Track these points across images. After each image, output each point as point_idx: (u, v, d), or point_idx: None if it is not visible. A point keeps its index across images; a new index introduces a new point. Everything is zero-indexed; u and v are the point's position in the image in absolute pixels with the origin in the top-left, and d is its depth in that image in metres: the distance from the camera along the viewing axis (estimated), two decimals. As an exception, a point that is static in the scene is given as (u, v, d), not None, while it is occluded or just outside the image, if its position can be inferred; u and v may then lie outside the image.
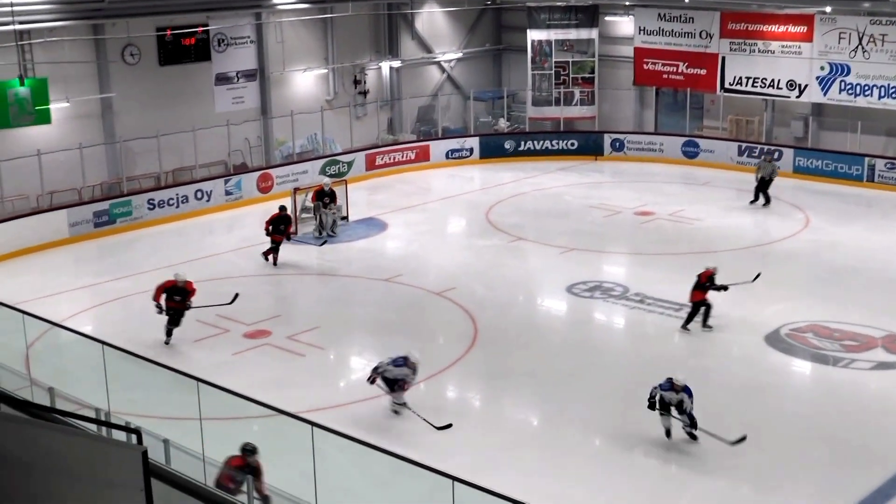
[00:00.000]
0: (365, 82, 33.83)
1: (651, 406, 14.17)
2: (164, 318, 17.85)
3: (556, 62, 35.06)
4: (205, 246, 24.48)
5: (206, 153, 28.20)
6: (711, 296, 18.31)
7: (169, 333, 17.84)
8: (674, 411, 14.11)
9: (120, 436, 10.70)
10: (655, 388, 14.19)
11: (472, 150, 33.40)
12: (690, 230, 25.32)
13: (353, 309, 20.14)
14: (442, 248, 24.32)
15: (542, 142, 34.08)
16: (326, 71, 32.64)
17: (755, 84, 32.01)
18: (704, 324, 18.36)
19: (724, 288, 18.31)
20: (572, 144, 34.03)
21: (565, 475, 13.26)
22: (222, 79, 30.05)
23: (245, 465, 11.43)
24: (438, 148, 33.11)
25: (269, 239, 22.55)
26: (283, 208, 22.91)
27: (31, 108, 24.77)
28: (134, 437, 6.04)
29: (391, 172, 31.59)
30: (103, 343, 13.56)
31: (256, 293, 21.04)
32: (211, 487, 9.89)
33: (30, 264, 23.03)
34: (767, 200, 27.40)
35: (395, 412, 15.12)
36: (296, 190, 25.93)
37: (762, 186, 27.39)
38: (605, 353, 18.06)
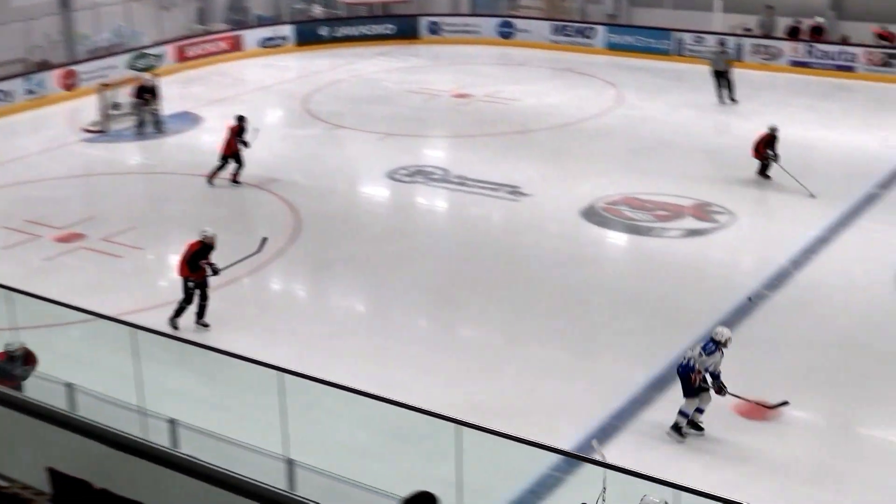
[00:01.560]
0: (170, -30, 32.45)
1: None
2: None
3: (367, -56, 34.42)
4: (8, 149, 23.21)
5: (3, 51, 26.62)
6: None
7: (181, 313, 14.03)
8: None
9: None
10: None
11: (286, 38, 32.63)
12: (508, 110, 25.56)
13: (171, 206, 19.62)
14: (260, 140, 23.78)
15: (358, 27, 33.57)
16: (128, -41, 31.12)
17: (566, -38, 32.22)
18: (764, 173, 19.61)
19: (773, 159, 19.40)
20: (389, 29, 33.66)
21: (392, 359, 13.40)
22: (15, -31, 28.27)
23: None
24: (252, 37, 32.16)
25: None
26: (241, 118, 20.11)
27: None
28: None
29: (203, 64, 30.57)
30: None
31: (67, 195, 20.23)
32: (28, 397, 9.56)
33: None
34: (732, 97, 25.57)
35: (678, 432, 11.41)
36: (103, 86, 24.84)
37: (721, 81, 25.54)
38: (429, 236, 18.23)
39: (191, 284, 13.96)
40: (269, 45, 32.29)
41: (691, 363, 11.28)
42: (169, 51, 30.01)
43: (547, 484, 10.35)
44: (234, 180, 20.05)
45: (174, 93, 26.59)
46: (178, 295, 14.01)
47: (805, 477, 10.90)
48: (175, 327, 13.89)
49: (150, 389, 11.15)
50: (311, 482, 9.80)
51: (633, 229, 17.83)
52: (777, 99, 26.14)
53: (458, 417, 9.41)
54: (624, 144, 22.87)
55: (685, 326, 14.02)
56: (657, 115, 24.94)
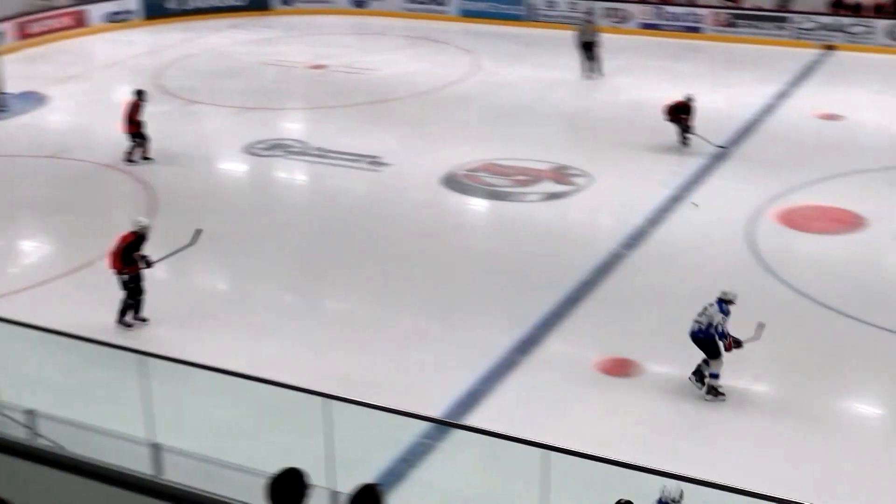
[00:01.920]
0: (6, -57, 31.06)
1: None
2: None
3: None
4: None
5: None
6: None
7: (127, 311, 13.26)
8: None
9: None
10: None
11: (133, 12, 31.68)
12: (366, 80, 25.43)
13: (18, 190, 18.88)
14: (111, 119, 22.98)
15: (208, -1, 32.88)
16: (-41, -68, 29.66)
17: (417, -71, 32.15)
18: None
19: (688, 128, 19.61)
20: (240, 0, 33.01)
21: (258, 335, 13.23)
22: None
23: None
24: (96, 11, 31.09)
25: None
26: (139, 92, 19.42)
27: None
28: None
29: (47, 41, 29.44)
30: None
31: None
32: None
33: None
34: (598, 69, 25.00)
35: (716, 393, 11.60)
36: (-61, 67, 23.75)
37: (588, 53, 24.90)
38: (290, 209, 18.04)
39: (125, 278, 13.10)
40: (116, 19, 31.31)
41: (718, 328, 11.38)
42: (9, 28, 28.75)
43: (418, 451, 10.40)
44: (145, 157, 19.46)
45: (17, 72, 25.53)
46: (29, 282, 13.54)
47: (668, 427, 11.22)
48: (128, 325, 13.20)
49: (5, 380, 10.77)
50: (179, 465, 9.62)
51: (494, 195, 17.99)
52: (629, 62, 26.64)
53: (328, 391, 9.36)
54: (482, 111, 23.01)
55: (548, 288, 14.25)
56: (514, 82, 25.16)
